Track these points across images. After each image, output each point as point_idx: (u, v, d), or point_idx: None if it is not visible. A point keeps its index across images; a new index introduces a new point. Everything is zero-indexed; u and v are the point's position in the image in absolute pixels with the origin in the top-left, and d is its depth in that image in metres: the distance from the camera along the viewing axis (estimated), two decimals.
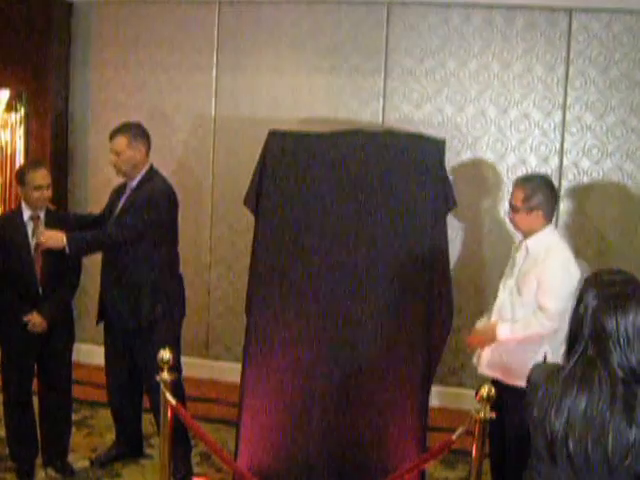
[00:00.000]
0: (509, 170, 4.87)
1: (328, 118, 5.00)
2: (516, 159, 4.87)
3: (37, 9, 5.32)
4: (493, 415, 2.90)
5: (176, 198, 3.97)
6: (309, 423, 3.46)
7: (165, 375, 3.22)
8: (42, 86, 5.37)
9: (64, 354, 3.92)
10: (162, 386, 3.22)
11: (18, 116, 5.38)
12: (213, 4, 5.21)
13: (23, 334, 3.72)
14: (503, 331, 3.39)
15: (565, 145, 4.80)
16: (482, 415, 2.88)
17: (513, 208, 3.45)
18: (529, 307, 3.39)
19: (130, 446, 4.16)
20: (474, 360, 3.64)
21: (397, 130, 4.71)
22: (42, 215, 3.79)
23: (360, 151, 3.62)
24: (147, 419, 4.23)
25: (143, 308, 3.85)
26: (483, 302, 3.73)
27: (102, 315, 4.03)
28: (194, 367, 4.98)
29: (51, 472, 3.92)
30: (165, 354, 3.22)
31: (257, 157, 3.80)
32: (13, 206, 4.92)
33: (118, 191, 4.06)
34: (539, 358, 3.34)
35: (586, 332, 1.92)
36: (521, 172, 4.80)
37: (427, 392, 3.51)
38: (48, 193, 3.75)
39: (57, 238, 3.64)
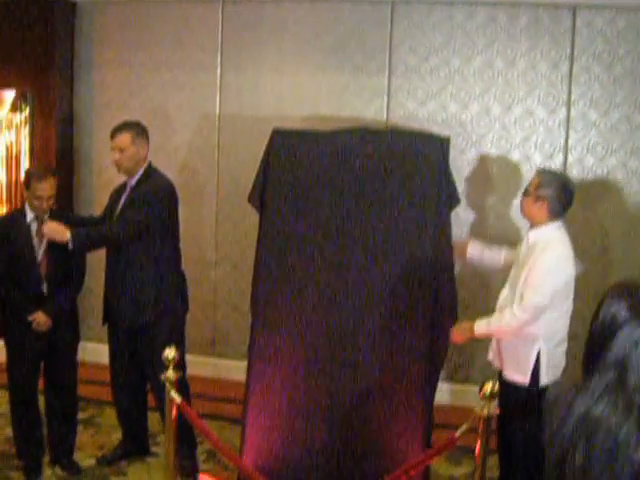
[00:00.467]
0: (514, 167, 4.86)
1: (332, 116, 5.00)
2: (520, 156, 4.86)
3: (41, 9, 5.33)
4: (497, 411, 2.90)
5: (176, 193, 4.00)
6: (314, 421, 3.47)
7: (170, 373, 3.24)
8: (46, 86, 5.39)
9: (70, 353, 3.94)
10: (167, 384, 3.24)
11: (23, 116, 5.40)
12: (217, 3, 5.22)
13: (28, 333, 3.74)
14: (479, 325, 3.45)
15: (570, 142, 4.79)
16: (485, 412, 2.89)
17: (525, 191, 3.51)
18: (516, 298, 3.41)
19: (136, 444, 4.18)
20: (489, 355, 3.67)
21: (401, 128, 4.72)
22: (46, 217, 3.80)
23: (364, 149, 3.62)
24: (153, 417, 4.25)
25: (147, 304, 3.87)
26: (488, 299, 3.73)
27: (108, 315, 4.05)
28: (200, 365, 4.99)
29: (58, 470, 3.94)
30: (170, 352, 3.23)
31: (261, 155, 3.81)
32: (19, 205, 4.94)
33: (118, 192, 4.08)
34: (532, 356, 3.37)
35: (614, 347, 1.73)
36: (526, 169, 4.81)
37: (433, 389, 3.52)
38: (49, 204, 3.75)
39: (60, 231, 3.65)
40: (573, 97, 4.76)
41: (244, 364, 3.69)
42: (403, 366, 3.44)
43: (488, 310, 3.67)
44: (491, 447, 3.09)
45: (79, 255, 3.88)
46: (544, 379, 3.35)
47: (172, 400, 3.24)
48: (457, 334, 3.53)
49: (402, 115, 5.00)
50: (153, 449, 4.23)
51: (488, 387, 2.89)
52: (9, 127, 5.44)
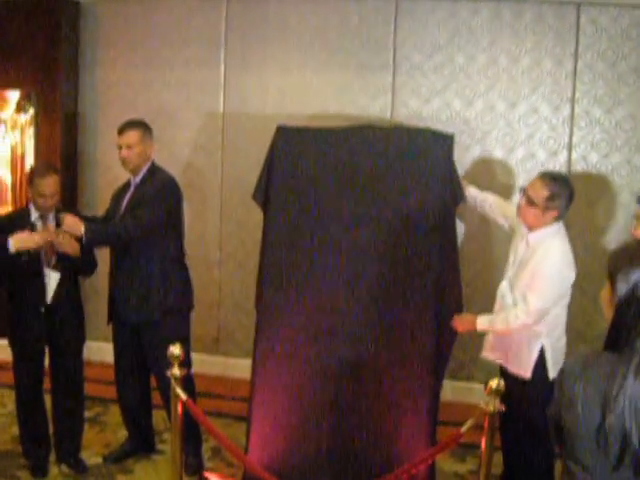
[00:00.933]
0: (518, 164, 4.86)
1: (336, 114, 5.00)
2: (525, 153, 4.86)
3: (45, 9, 5.34)
4: (502, 408, 2.90)
5: (180, 190, 4.01)
6: (320, 417, 3.47)
7: (175, 370, 3.24)
8: (51, 86, 5.40)
9: (76, 352, 3.95)
10: (172, 381, 3.24)
11: (28, 116, 5.41)
12: (220, 1, 5.22)
13: (34, 332, 3.76)
14: (481, 322, 3.47)
15: (574, 139, 4.79)
16: (491, 408, 2.88)
17: (530, 202, 3.40)
18: (518, 300, 3.41)
19: (142, 442, 4.19)
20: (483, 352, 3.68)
21: (406, 125, 4.72)
22: (51, 215, 3.81)
23: (368, 146, 3.63)
24: (159, 415, 4.26)
25: (153, 302, 3.88)
26: (492, 296, 3.73)
27: (113, 314, 4.05)
28: (204, 363, 5.00)
29: (64, 469, 3.95)
30: (175, 349, 3.24)
31: (265, 153, 3.81)
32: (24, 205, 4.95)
33: (120, 191, 4.08)
34: (535, 351, 3.38)
35: (636, 315, 1.70)
36: (530, 166, 4.81)
37: (439, 385, 3.52)
38: (52, 201, 3.74)
39: (77, 225, 3.68)
40: (577, 94, 4.76)
41: (249, 362, 3.69)
42: (409, 362, 3.44)
43: (490, 306, 3.67)
44: (495, 444, 3.09)
45: (87, 251, 3.89)
46: (552, 373, 3.36)
47: (177, 397, 3.24)
48: (459, 323, 3.54)
49: (406, 113, 5.00)
50: (159, 447, 4.25)
51: (494, 383, 2.89)
52: (14, 128, 5.45)
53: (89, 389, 4.20)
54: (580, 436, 1.75)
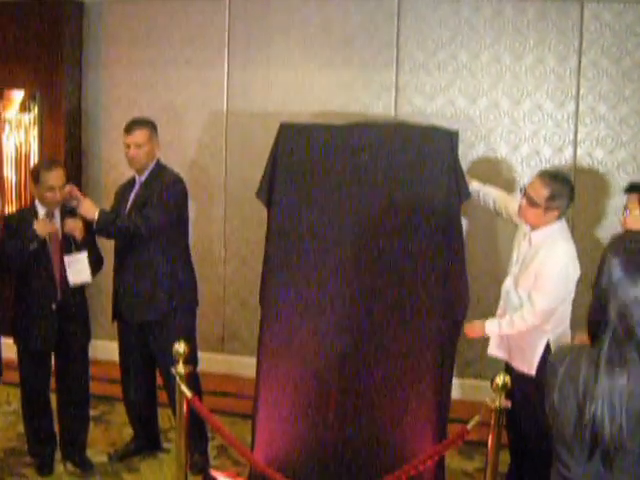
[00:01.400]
0: (523, 161, 4.85)
1: (340, 112, 5.00)
2: (530, 150, 4.85)
3: (49, 10, 5.36)
4: (509, 404, 2.89)
5: (186, 189, 4.02)
6: (325, 414, 3.46)
7: (180, 368, 3.24)
8: (55, 86, 5.42)
9: (81, 351, 3.95)
10: (178, 379, 3.23)
11: (32, 116, 5.42)
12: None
13: (40, 331, 3.76)
14: (490, 327, 3.48)
15: (579, 136, 4.78)
16: (497, 404, 2.88)
17: (531, 202, 3.38)
18: (522, 301, 3.41)
19: (148, 440, 4.19)
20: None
21: (410, 122, 4.71)
22: (57, 212, 3.82)
23: (372, 142, 3.61)
24: (165, 414, 4.26)
25: (158, 300, 3.88)
26: (498, 293, 3.73)
27: (118, 312, 4.05)
28: (210, 362, 5.00)
29: (70, 466, 3.96)
30: (180, 347, 3.23)
31: (269, 151, 3.81)
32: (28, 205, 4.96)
33: (124, 189, 4.08)
34: (540, 348, 3.37)
35: (612, 307, 1.67)
36: (535, 163, 4.80)
37: (447, 380, 3.50)
38: (62, 194, 3.75)
39: (92, 208, 3.74)
40: (582, 91, 4.75)
41: (254, 360, 3.68)
42: (415, 357, 3.43)
43: (496, 303, 3.67)
44: (502, 441, 3.08)
45: (93, 246, 3.90)
46: None
47: (183, 394, 3.24)
48: (470, 330, 3.56)
49: (410, 110, 5.00)
50: (165, 445, 4.25)
51: (500, 379, 2.88)
52: (18, 127, 5.46)
53: (94, 388, 4.21)
54: (557, 430, 1.75)
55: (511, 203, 3.79)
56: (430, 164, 3.56)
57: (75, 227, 3.75)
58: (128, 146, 3.91)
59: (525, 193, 3.43)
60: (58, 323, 3.78)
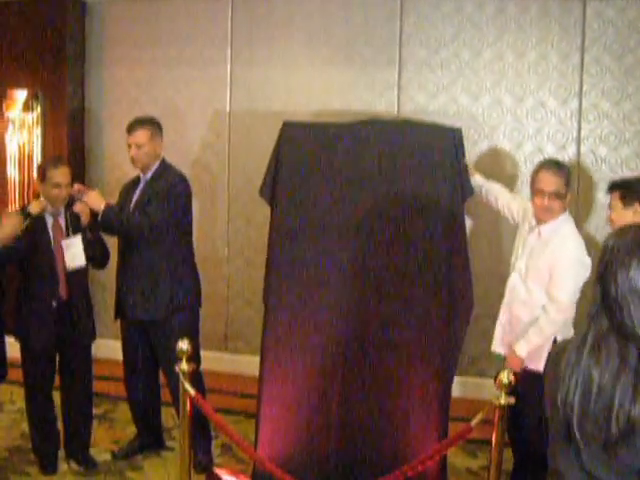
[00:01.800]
0: (526, 159, 4.84)
1: (343, 110, 5.00)
2: (533, 148, 4.84)
3: (51, 9, 5.37)
4: (512, 401, 2.89)
5: (190, 189, 4.02)
6: (328, 411, 3.46)
7: (184, 365, 3.24)
8: (58, 85, 5.43)
9: (85, 349, 3.95)
10: (181, 377, 3.23)
11: (35, 115, 5.43)
12: None
13: (44, 329, 3.77)
14: (521, 350, 3.42)
15: (582, 133, 4.77)
16: (501, 401, 2.87)
17: (557, 195, 3.38)
18: (534, 293, 3.40)
19: (151, 438, 4.19)
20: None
21: (413, 119, 4.70)
22: (62, 211, 3.82)
23: (375, 140, 3.61)
24: (168, 412, 4.26)
25: (162, 300, 3.88)
26: (503, 291, 3.72)
27: (121, 310, 4.05)
28: (213, 360, 4.99)
29: (74, 465, 3.96)
30: (184, 344, 3.23)
31: (272, 150, 3.80)
32: None
33: (129, 187, 4.09)
34: (548, 343, 3.37)
35: (598, 292, 1.64)
36: (538, 160, 4.77)
37: (450, 376, 3.50)
38: (67, 191, 3.78)
39: (98, 201, 3.77)
40: (585, 88, 4.74)
41: (257, 359, 3.68)
42: (419, 354, 3.42)
43: (499, 300, 3.65)
44: (506, 439, 3.08)
45: (99, 239, 3.91)
46: None
47: (186, 392, 3.24)
48: (512, 365, 3.46)
49: (413, 108, 4.99)
50: (168, 443, 4.25)
51: (504, 376, 2.88)
52: (21, 127, 5.47)
53: (98, 386, 4.21)
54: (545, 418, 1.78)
55: (513, 202, 3.80)
56: (433, 161, 3.55)
57: (84, 209, 3.77)
58: (130, 146, 3.92)
59: (541, 192, 3.41)
60: (61, 322, 3.78)
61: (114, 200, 4.17)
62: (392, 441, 3.44)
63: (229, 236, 5.41)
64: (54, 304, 3.77)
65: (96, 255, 3.88)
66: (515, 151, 4.87)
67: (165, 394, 4.11)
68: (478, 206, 4.73)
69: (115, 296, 4.07)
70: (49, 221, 3.79)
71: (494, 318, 3.71)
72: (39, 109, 5.43)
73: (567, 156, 4.74)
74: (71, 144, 5.49)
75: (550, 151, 4.79)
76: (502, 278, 4.68)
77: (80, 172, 5.54)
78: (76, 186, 3.84)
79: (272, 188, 3.70)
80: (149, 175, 3.96)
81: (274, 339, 3.56)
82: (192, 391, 3.23)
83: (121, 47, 5.51)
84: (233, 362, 5.40)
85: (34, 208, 3.69)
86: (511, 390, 2.89)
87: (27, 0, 5.40)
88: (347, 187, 3.58)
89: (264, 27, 5.19)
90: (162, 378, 4.10)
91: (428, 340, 3.42)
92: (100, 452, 4.12)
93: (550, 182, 3.40)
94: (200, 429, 3.83)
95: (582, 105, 4.75)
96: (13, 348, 3.86)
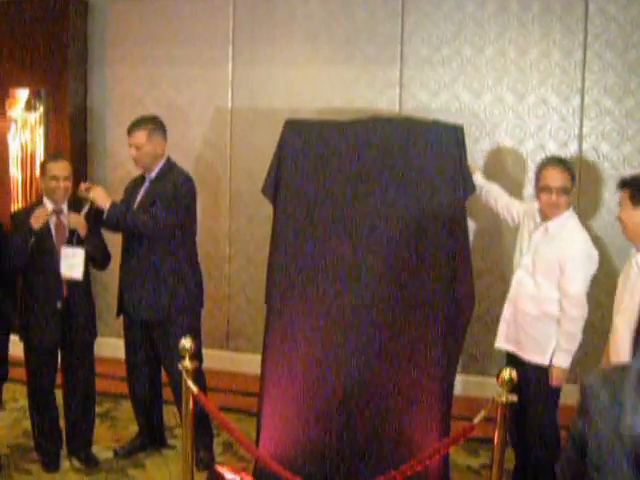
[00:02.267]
0: (528, 156, 4.83)
1: (344, 108, 4.99)
2: (535, 145, 4.83)
3: (53, 8, 5.38)
4: (515, 398, 2.88)
5: (195, 188, 4.01)
6: (330, 410, 3.45)
7: (186, 363, 3.23)
8: (60, 84, 5.44)
9: (87, 348, 3.96)
10: (184, 374, 3.23)
11: (37, 114, 5.43)
12: None
13: (48, 330, 3.77)
14: (560, 360, 3.36)
15: (584, 130, 4.76)
16: (504, 399, 2.86)
17: (565, 190, 3.40)
18: (542, 288, 3.41)
19: (153, 436, 4.19)
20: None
21: (414, 117, 4.70)
22: (65, 208, 3.83)
23: (377, 137, 3.60)
24: (170, 411, 4.26)
25: (165, 300, 3.87)
26: (504, 289, 3.71)
27: (123, 308, 4.06)
28: (215, 359, 4.98)
29: (76, 463, 3.96)
30: (186, 342, 3.23)
31: (274, 148, 3.80)
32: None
33: (134, 185, 4.08)
34: (554, 337, 3.37)
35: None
36: (540, 158, 4.75)
37: (452, 376, 3.49)
38: (65, 184, 3.79)
39: (104, 197, 3.79)
40: (587, 84, 4.73)
41: (258, 357, 3.68)
42: (421, 354, 3.42)
43: (502, 298, 3.65)
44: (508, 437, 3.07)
45: (100, 242, 3.91)
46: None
47: (189, 390, 3.24)
48: (557, 381, 3.43)
49: (415, 106, 4.99)
50: (170, 442, 4.25)
51: (506, 373, 2.87)
52: (24, 126, 5.47)
53: (100, 385, 4.20)
54: (597, 455, 1.64)
55: (512, 204, 3.82)
56: (435, 158, 3.55)
57: (78, 222, 3.77)
58: (130, 147, 3.92)
59: (548, 189, 3.41)
60: (63, 320, 3.79)
61: (118, 198, 4.17)
62: (394, 439, 3.43)
63: (231, 234, 5.41)
64: (59, 305, 3.77)
65: (97, 258, 3.89)
66: (517, 148, 4.86)
67: (167, 393, 4.11)
68: (479, 204, 4.74)
69: (117, 294, 4.07)
70: (52, 219, 3.79)
71: (495, 316, 3.70)
72: (41, 108, 5.43)
73: (569, 153, 4.73)
74: (73, 143, 5.50)
75: (552, 148, 4.79)
76: (503, 276, 4.69)
77: (83, 171, 5.55)
78: (82, 185, 3.86)
79: (274, 186, 3.70)
80: (154, 174, 3.95)
81: (276, 338, 3.56)
82: (194, 389, 3.23)
83: (123, 46, 5.51)
84: (234, 360, 5.40)
85: (35, 223, 3.68)
86: (513, 388, 2.88)
87: None
88: (349, 185, 3.58)
89: (266, 25, 5.19)
90: (164, 377, 4.10)
91: (430, 338, 3.41)
92: (102, 450, 4.12)
93: (557, 178, 3.41)
94: (202, 427, 3.83)
95: (584, 102, 4.74)
96: (16, 347, 3.86)
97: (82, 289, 3.86)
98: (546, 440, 3.42)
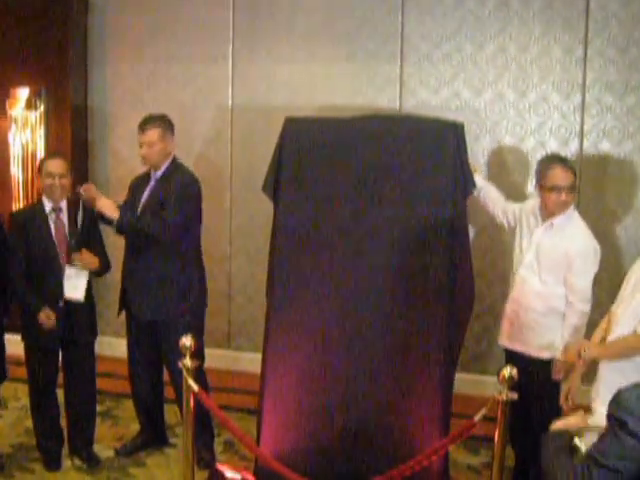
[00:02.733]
0: (529, 154, 4.82)
1: (345, 105, 4.98)
2: (536, 142, 4.82)
3: (54, 7, 5.38)
4: (515, 396, 2.88)
5: (202, 189, 4.00)
6: (331, 408, 3.45)
7: (187, 362, 3.23)
8: (61, 83, 5.44)
9: (87, 347, 3.96)
10: (184, 372, 3.23)
11: (38, 113, 5.43)
12: None
13: (51, 330, 3.77)
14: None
15: (585, 127, 4.74)
16: (504, 396, 2.86)
17: (571, 188, 3.43)
18: (549, 284, 3.42)
19: (154, 435, 4.19)
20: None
21: (415, 114, 4.69)
22: (64, 206, 3.83)
23: (377, 135, 3.60)
24: (171, 410, 4.26)
25: (169, 300, 3.88)
26: (504, 288, 3.71)
27: (126, 307, 4.05)
28: (216, 358, 4.97)
29: (77, 461, 3.97)
30: (187, 341, 3.23)
31: (275, 146, 3.80)
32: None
33: (139, 182, 4.06)
34: (559, 329, 3.37)
35: None
36: (541, 155, 4.73)
37: (451, 374, 3.49)
38: (61, 182, 3.78)
39: (111, 209, 3.78)
40: (588, 81, 4.71)
41: (259, 356, 3.68)
42: (421, 352, 3.41)
43: (502, 296, 3.64)
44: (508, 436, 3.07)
45: (100, 250, 3.91)
46: None
47: (190, 388, 3.23)
48: (557, 375, 3.43)
49: (415, 103, 4.98)
50: (171, 440, 4.25)
51: (507, 371, 2.87)
52: (25, 125, 5.47)
53: (101, 384, 4.22)
54: None
55: (508, 207, 3.84)
56: (435, 156, 3.54)
57: (91, 262, 3.79)
58: (141, 145, 3.90)
59: (557, 189, 3.42)
60: (64, 319, 3.79)
61: (121, 198, 4.15)
62: (394, 437, 3.43)
63: (231, 232, 5.41)
64: (61, 304, 3.77)
65: (98, 271, 3.91)
66: (518, 146, 4.85)
67: (168, 391, 4.11)
68: (478, 204, 4.73)
69: (120, 292, 4.06)
70: (51, 218, 3.80)
71: (495, 315, 3.70)
72: (42, 107, 5.43)
73: (570, 151, 4.72)
74: (74, 141, 5.50)
75: (553, 146, 4.77)
76: (503, 275, 4.68)
77: (84, 169, 5.55)
78: (84, 186, 3.86)
79: (275, 184, 3.69)
80: (160, 173, 3.93)
81: (277, 336, 3.55)
82: (195, 387, 3.23)
83: (123, 44, 5.51)
84: (235, 359, 5.40)
85: (45, 323, 3.72)
86: (514, 386, 2.88)
87: None
88: (350, 182, 3.57)
89: (266, 22, 5.18)
90: (165, 375, 4.10)
91: (430, 337, 3.41)
92: (103, 449, 4.13)
93: (564, 177, 3.43)
94: (203, 426, 3.83)
95: (585, 99, 4.73)
96: (17, 346, 3.87)
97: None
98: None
